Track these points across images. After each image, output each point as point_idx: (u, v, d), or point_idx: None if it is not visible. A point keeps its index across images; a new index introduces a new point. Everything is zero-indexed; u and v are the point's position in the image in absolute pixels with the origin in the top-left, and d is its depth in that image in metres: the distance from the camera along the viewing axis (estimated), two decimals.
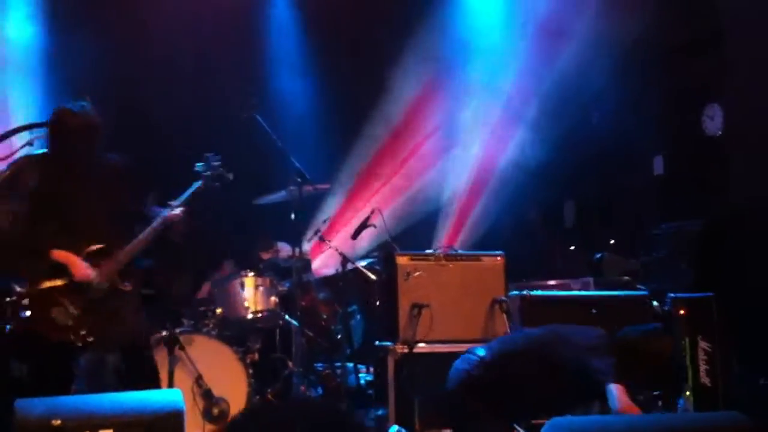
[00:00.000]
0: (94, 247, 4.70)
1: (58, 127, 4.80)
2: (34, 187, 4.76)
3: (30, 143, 5.63)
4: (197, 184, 5.01)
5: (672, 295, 5.84)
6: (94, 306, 4.66)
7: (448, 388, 4.73)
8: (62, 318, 4.62)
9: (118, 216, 4.81)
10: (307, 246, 6.71)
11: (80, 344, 4.61)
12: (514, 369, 4.59)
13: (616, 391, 4.29)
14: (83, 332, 4.61)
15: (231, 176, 5.16)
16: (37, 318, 4.72)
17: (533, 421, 4.88)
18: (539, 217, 8.50)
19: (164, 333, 5.56)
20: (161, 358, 5.43)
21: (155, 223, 4.79)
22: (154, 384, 4.77)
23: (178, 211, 4.85)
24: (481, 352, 4.71)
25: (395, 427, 5.17)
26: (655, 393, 5.13)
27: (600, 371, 4.39)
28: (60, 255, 4.66)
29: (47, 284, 4.66)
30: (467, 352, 4.78)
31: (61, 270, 4.69)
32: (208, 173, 5.08)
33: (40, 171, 4.82)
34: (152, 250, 4.87)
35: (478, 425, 4.53)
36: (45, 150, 4.91)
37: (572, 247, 7.38)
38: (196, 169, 5.10)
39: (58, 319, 4.62)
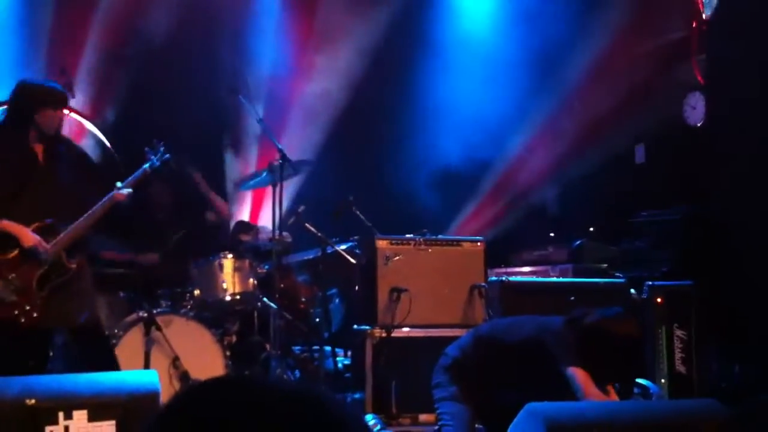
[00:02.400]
0: (41, 223, 4.69)
1: (23, 100, 4.78)
2: None
3: None
4: (144, 168, 5.06)
5: (649, 283, 5.88)
6: (39, 282, 4.64)
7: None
8: (5, 293, 4.59)
9: (71, 196, 4.81)
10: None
11: (24, 320, 4.58)
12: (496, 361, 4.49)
13: (576, 375, 4.01)
14: (28, 308, 4.59)
15: (173, 162, 5.26)
16: None
17: None
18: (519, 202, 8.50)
19: (141, 313, 5.53)
20: (138, 338, 5.42)
21: (100, 203, 4.81)
22: (109, 365, 4.76)
23: (124, 192, 4.88)
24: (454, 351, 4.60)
25: (370, 416, 5.16)
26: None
27: (558, 355, 4.11)
28: (8, 225, 4.64)
29: None
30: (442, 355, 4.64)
31: (5, 244, 4.66)
32: (155, 158, 5.16)
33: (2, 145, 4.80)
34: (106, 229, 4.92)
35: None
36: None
37: (552, 234, 7.39)
38: (146, 154, 5.17)
39: (2, 293, 4.59)
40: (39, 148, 4.81)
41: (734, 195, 6.64)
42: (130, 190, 4.94)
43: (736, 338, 6.20)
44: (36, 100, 4.75)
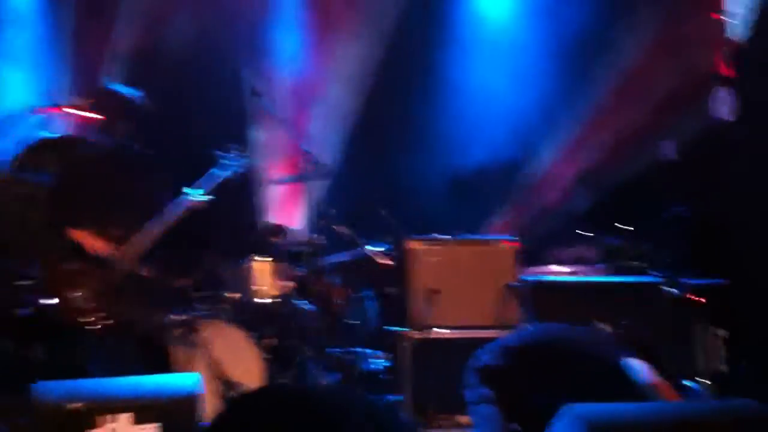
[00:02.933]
0: (113, 232, 4.72)
1: (97, 107, 4.82)
2: (62, 169, 4.79)
3: (41, 126, 5.67)
4: (224, 175, 5.01)
5: (686, 281, 5.85)
6: (111, 289, 4.68)
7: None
8: (79, 300, 4.65)
9: (141, 203, 4.83)
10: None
11: (99, 327, 4.64)
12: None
13: (637, 364, 4.15)
14: (101, 314, 4.64)
15: (248, 167, 5.18)
16: (53, 298, 4.75)
17: None
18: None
19: (181, 317, 5.56)
20: (177, 342, 5.45)
21: (176, 211, 4.80)
22: (166, 371, 4.78)
23: (200, 199, 4.86)
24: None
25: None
26: None
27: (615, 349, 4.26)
28: (81, 235, 4.69)
29: (64, 267, 4.69)
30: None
31: (78, 252, 4.71)
32: (231, 163, 5.07)
33: (67, 153, 4.85)
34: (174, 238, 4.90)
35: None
36: (63, 133, 4.95)
37: (584, 233, 7.36)
38: (221, 159, 5.10)
39: (76, 301, 4.65)
40: (114, 157, 4.85)
41: (762, 191, 6.60)
42: (206, 197, 4.90)
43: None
44: (119, 108, 4.79)
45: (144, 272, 4.76)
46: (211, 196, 4.87)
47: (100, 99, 4.87)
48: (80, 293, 4.65)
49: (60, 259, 4.71)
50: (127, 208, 4.80)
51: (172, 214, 4.79)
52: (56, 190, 4.84)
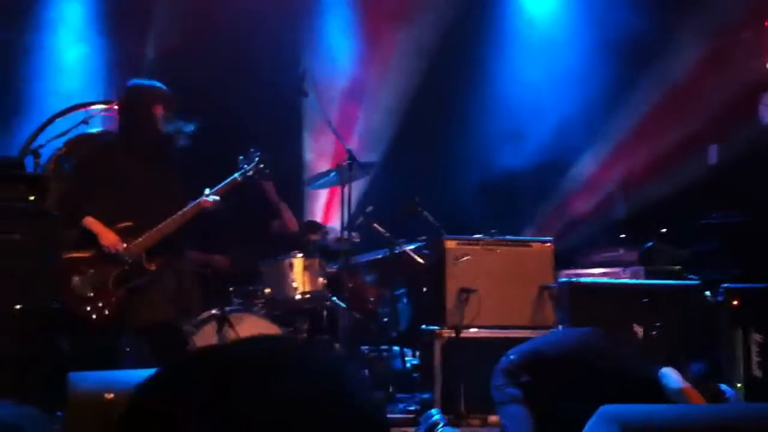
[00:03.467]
0: (124, 224, 4.76)
1: (132, 103, 4.86)
2: (92, 164, 4.84)
3: (86, 122, 5.74)
4: (234, 176, 5.07)
5: (725, 285, 5.77)
6: (116, 282, 4.71)
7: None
8: (81, 289, 4.66)
9: (161, 198, 4.86)
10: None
11: (95, 317, 4.65)
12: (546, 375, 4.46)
13: (672, 372, 4.19)
14: (101, 305, 4.65)
15: (269, 172, 5.21)
16: (58, 288, 4.78)
17: None
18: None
19: (214, 311, 5.60)
20: (211, 335, 5.49)
21: (186, 208, 4.85)
22: None
23: (210, 199, 4.91)
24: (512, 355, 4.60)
25: (435, 411, 5.12)
26: None
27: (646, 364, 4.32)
28: (92, 223, 4.73)
29: (73, 254, 4.73)
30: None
31: (89, 242, 4.75)
32: (247, 167, 5.12)
33: (103, 150, 4.90)
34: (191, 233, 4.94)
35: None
36: (103, 129, 5.01)
37: (622, 235, 7.29)
38: (238, 161, 5.16)
39: (77, 289, 4.66)
40: (141, 150, 4.89)
41: None
42: (217, 197, 4.96)
43: None
44: (151, 101, 4.83)
45: (149, 267, 4.77)
46: (219, 197, 4.90)
47: (131, 93, 4.90)
48: (82, 280, 4.67)
49: (70, 247, 4.74)
50: (147, 202, 4.82)
51: (182, 212, 4.82)
52: (73, 178, 4.89)
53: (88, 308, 4.67)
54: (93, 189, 4.81)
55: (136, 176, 4.84)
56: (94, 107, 6.15)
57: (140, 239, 4.77)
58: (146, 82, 5.02)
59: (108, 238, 4.72)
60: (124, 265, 4.74)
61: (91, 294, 4.68)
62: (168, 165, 4.98)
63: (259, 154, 5.19)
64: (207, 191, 4.96)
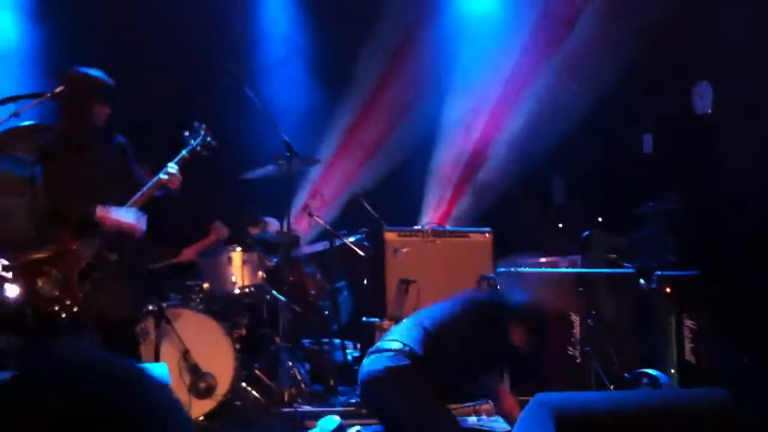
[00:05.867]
0: (85, 210, 4.66)
1: (71, 89, 4.74)
2: (38, 156, 4.74)
3: (16, 114, 5.61)
4: (183, 153, 4.94)
5: (658, 273, 5.87)
6: (80, 277, 4.63)
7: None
8: (48, 288, 4.59)
9: (116, 185, 4.76)
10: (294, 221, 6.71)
11: (65, 315, 4.58)
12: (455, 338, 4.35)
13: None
14: (68, 302, 4.58)
15: (217, 144, 5.06)
16: (24, 290, 4.70)
17: None
18: (525, 193, 8.49)
19: (151, 307, 5.53)
20: (148, 331, 5.42)
21: (143, 190, 4.74)
22: (133, 359, 4.73)
23: (167, 175, 4.77)
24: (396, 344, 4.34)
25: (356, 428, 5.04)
26: None
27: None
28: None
29: (33, 255, 4.64)
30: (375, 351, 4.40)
31: (46, 240, 4.66)
32: (195, 141, 5.01)
33: (36, 140, 4.80)
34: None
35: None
36: (35, 122, 4.88)
37: (560, 225, 7.38)
38: (184, 137, 5.01)
39: (44, 289, 4.59)
40: (89, 137, 4.78)
41: (738, 184, 6.62)
42: (175, 171, 4.79)
43: (742, 328, 6.18)
44: (92, 93, 4.72)
45: (110, 257, 4.69)
46: (176, 171, 4.76)
47: (74, 84, 4.78)
48: (47, 280, 4.59)
49: (29, 247, 4.66)
50: (103, 190, 4.71)
51: (140, 194, 4.72)
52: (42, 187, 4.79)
53: (57, 308, 4.59)
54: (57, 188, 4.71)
55: (87, 167, 4.73)
56: (25, 99, 6.01)
57: (98, 230, 4.66)
58: (89, 72, 4.84)
59: (68, 233, 4.63)
60: (87, 258, 4.64)
61: (56, 293, 4.60)
62: (116, 153, 4.85)
63: (204, 126, 5.03)
64: (170, 165, 4.80)
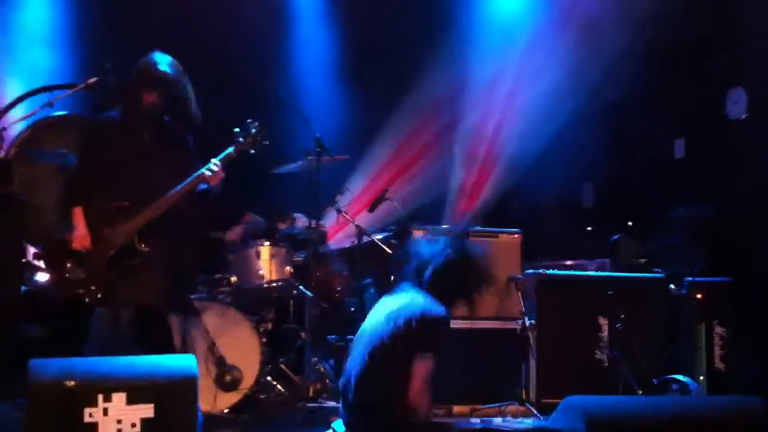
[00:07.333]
0: (117, 205, 4.67)
1: (126, 83, 4.75)
2: (91, 146, 4.76)
3: (50, 104, 5.65)
4: (230, 150, 4.91)
5: (689, 279, 5.83)
6: (108, 264, 4.64)
7: None
8: (73, 271, 4.60)
9: (161, 178, 4.74)
10: (324, 219, 6.72)
11: (88, 300, 4.59)
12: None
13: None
14: (93, 287, 4.59)
15: (267, 143, 5.00)
16: (51, 272, 4.72)
17: None
18: (556, 197, 8.46)
19: (179, 299, 5.54)
20: (175, 324, 5.43)
21: (182, 185, 4.72)
22: (166, 349, 4.74)
23: (208, 172, 4.75)
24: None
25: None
26: None
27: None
28: (76, 214, 4.66)
29: (66, 237, 4.67)
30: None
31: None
32: (242, 139, 4.96)
33: (101, 129, 4.81)
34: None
35: None
36: (68, 113, 4.90)
37: (589, 228, 7.34)
38: (233, 133, 4.96)
39: (70, 272, 4.60)
40: (140, 130, 4.78)
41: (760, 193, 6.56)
42: (216, 168, 4.73)
43: None
44: (138, 81, 4.72)
45: (142, 248, 4.69)
46: (219, 169, 4.73)
47: (127, 72, 4.79)
48: (76, 263, 4.60)
49: (61, 231, 4.68)
50: (144, 182, 4.70)
51: (176, 190, 4.70)
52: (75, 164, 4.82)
53: (81, 291, 4.60)
54: (93, 172, 4.71)
55: (134, 155, 4.73)
56: (58, 90, 6.04)
57: (132, 220, 4.67)
58: (146, 60, 4.80)
59: (77, 236, 4.64)
60: (116, 247, 4.65)
61: (82, 276, 4.62)
62: (171, 145, 4.82)
63: (256, 124, 4.95)
64: (213, 161, 4.77)
